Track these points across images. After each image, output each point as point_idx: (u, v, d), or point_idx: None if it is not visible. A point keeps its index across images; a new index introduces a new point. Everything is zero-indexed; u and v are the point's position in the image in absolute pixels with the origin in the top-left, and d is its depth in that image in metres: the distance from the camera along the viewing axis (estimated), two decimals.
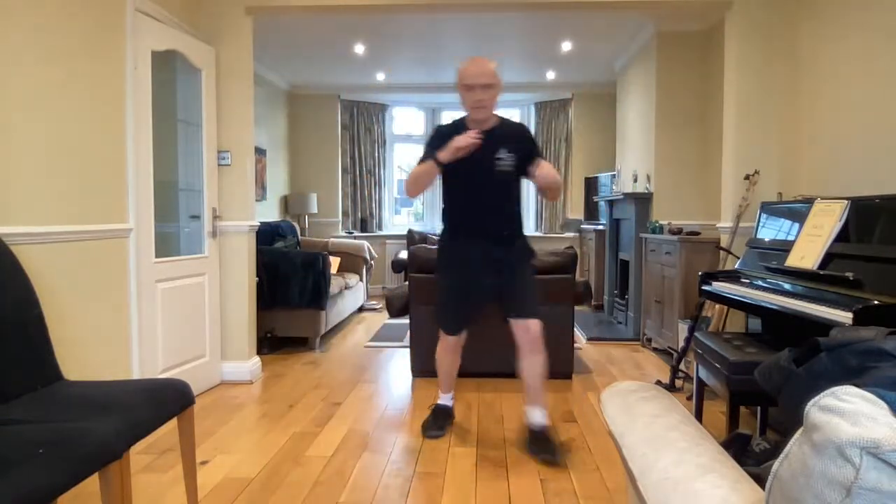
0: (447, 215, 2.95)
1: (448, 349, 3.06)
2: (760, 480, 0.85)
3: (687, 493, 0.87)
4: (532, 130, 8.25)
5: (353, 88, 7.85)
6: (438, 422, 3.07)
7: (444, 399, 3.16)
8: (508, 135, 2.79)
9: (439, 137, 2.76)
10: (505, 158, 2.73)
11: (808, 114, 3.51)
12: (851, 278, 2.24)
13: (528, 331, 2.80)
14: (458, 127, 2.78)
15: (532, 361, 2.84)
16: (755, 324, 3.32)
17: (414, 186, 2.81)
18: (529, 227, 8.29)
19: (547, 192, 2.79)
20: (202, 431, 3.05)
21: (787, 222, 2.96)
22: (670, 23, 5.09)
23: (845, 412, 0.61)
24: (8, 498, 1.29)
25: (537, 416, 2.84)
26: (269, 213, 7.11)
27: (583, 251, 7.43)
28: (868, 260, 2.28)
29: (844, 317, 2.01)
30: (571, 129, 7.79)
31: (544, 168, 2.64)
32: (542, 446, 2.74)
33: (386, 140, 8.21)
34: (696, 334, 2.86)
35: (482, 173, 2.73)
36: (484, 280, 2.83)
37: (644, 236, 5.09)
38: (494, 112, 2.81)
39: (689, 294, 4.18)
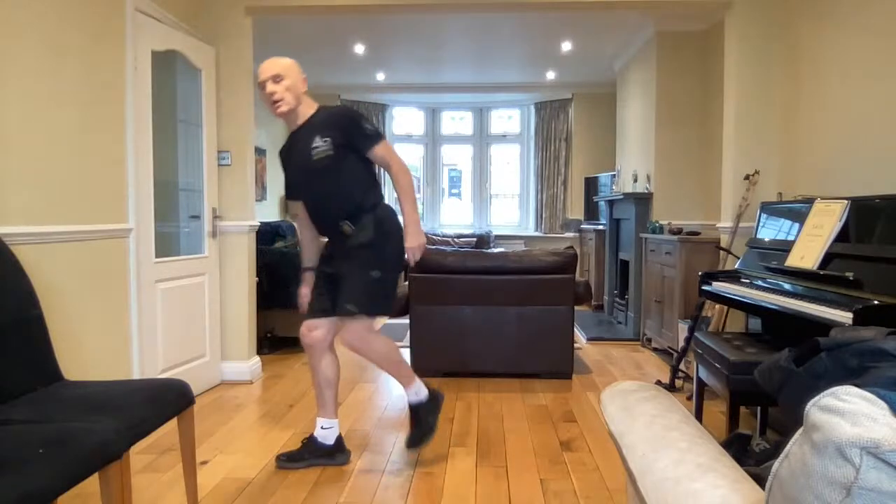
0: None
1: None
2: (760, 480, 0.85)
3: (687, 493, 0.87)
4: (532, 130, 8.35)
5: (353, 88, 7.85)
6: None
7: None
8: (323, 121, 2.52)
9: (283, 164, 2.70)
10: (320, 145, 2.47)
11: (808, 114, 3.51)
12: (851, 278, 2.24)
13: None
14: (289, 141, 2.63)
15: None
16: (755, 324, 3.32)
17: None
18: (529, 227, 8.30)
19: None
20: (202, 431, 3.05)
21: (787, 222, 2.96)
22: (670, 23, 5.09)
23: (845, 412, 0.61)
24: (8, 498, 1.29)
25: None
26: (269, 213, 7.11)
27: (583, 251, 7.43)
28: (868, 260, 2.28)
29: (844, 317, 2.01)
30: (571, 129, 7.79)
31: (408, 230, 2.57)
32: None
33: None
34: (696, 334, 2.86)
35: (306, 169, 2.51)
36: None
37: (644, 236, 5.09)
38: (306, 105, 2.55)
39: (689, 294, 4.18)
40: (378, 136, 2.54)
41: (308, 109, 2.55)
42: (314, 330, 2.64)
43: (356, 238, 2.54)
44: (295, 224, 2.50)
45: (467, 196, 8.71)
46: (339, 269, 2.58)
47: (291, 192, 2.68)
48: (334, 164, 2.48)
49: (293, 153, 2.56)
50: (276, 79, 2.47)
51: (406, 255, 2.56)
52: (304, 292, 2.74)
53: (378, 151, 2.53)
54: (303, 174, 2.54)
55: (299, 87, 2.51)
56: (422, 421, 2.67)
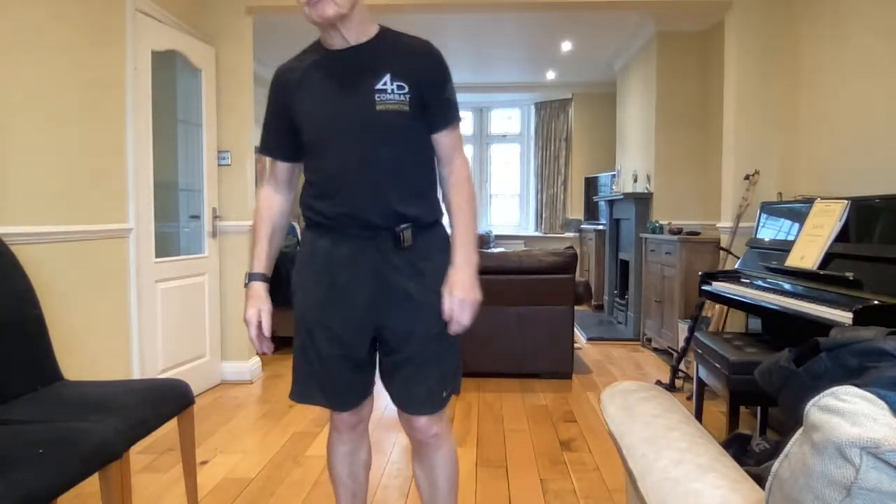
0: (303, 196, 1.60)
1: (340, 433, 1.70)
2: (760, 480, 0.85)
3: (687, 493, 0.87)
4: (532, 130, 8.35)
5: None
6: None
7: None
8: (398, 55, 1.52)
9: (276, 99, 1.59)
10: (392, 91, 1.48)
11: (808, 114, 3.50)
12: (851, 278, 2.24)
13: (416, 429, 1.61)
14: (311, 62, 1.55)
15: (430, 462, 1.66)
16: (755, 324, 3.32)
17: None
18: (529, 227, 8.29)
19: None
20: (202, 431, 3.05)
21: (787, 222, 2.96)
22: (670, 23, 5.09)
23: (845, 412, 0.61)
24: (8, 498, 1.29)
25: None
26: None
27: (583, 251, 7.43)
28: (868, 260, 2.28)
29: (844, 317, 2.01)
30: (571, 129, 7.79)
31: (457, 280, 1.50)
32: None
33: None
34: (696, 334, 2.86)
35: (353, 118, 1.48)
36: (356, 303, 1.53)
37: (644, 236, 5.09)
38: (363, 16, 1.53)
39: (689, 294, 4.18)
40: (459, 113, 1.60)
41: (366, 27, 1.54)
42: (363, 411, 1.69)
43: (421, 257, 1.54)
44: (259, 201, 1.67)
45: None
46: (375, 311, 1.53)
47: (284, 145, 1.60)
48: (407, 128, 1.50)
49: (332, 81, 1.51)
50: None
51: (447, 312, 1.50)
52: (255, 317, 1.57)
53: (455, 135, 1.58)
54: (346, 121, 1.49)
55: None
56: None
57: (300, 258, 1.62)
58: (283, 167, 1.64)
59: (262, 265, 1.62)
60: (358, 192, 1.49)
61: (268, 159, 1.66)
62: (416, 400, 1.56)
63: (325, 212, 1.53)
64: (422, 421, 1.58)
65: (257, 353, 1.39)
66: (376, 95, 1.47)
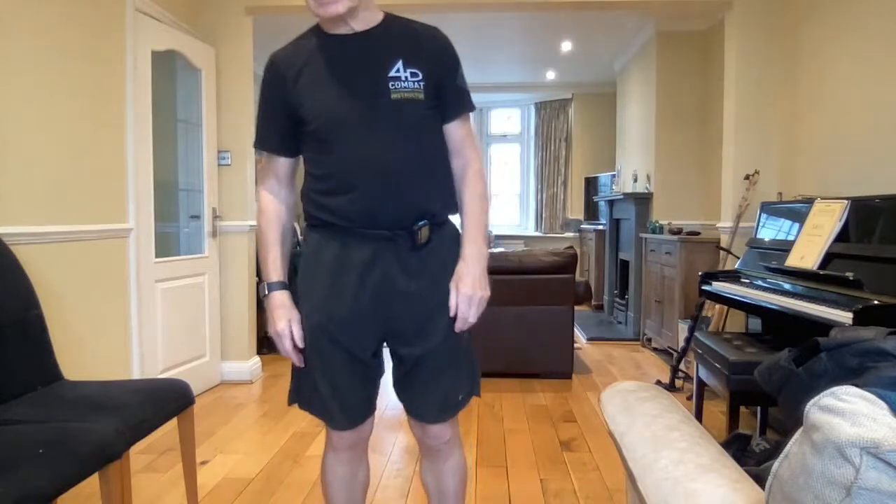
0: (307, 193, 1.50)
1: (337, 453, 1.59)
2: (760, 480, 0.85)
3: (687, 493, 0.87)
4: (532, 130, 8.35)
5: None
6: None
7: None
8: (408, 41, 1.45)
9: (272, 89, 1.47)
10: (406, 78, 1.40)
11: (809, 114, 3.50)
12: (851, 278, 2.24)
13: (429, 435, 1.57)
14: (312, 48, 1.44)
15: (441, 468, 1.62)
16: (755, 324, 3.32)
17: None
18: (529, 227, 8.29)
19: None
20: (202, 431, 3.05)
21: (787, 222, 2.96)
22: (670, 23, 5.09)
23: (845, 412, 0.61)
24: (8, 498, 1.29)
25: None
26: None
27: (583, 251, 7.43)
28: (868, 260, 2.28)
29: (844, 317, 2.01)
30: (571, 129, 7.79)
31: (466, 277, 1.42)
32: None
33: None
34: (696, 334, 2.86)
35: (366, 107, 1.39)
36: (363, 305, 1.44)
37: (644, 236, 5.09)
38: (368, 4, 1.42)
39: (689, 294, 4.18)
40: (471, 103, 1.52)
41: (372, 13, 1.45)
42: (363, 431, 1.60)
43: (433, 256, 1.47)
44: (258, 201, 1.54)
45: None
46: (390, 311, 1.45)
47: (283, 139, 1.49)
48: (423, 117, 1.43)
49: (339, 68, 1.41)
50: None
51: (452, 307, 1.43)
52: (287, 329, 1.44)
53: (467, 126, 1.51)
54: (357, 111, 1.39)
55: None
56: None
57: (305, 263, 1.51)
58: (283, 163, 1.51)
59: (278, 273, 1.50)
60: (373, 186, 1.38)
61: (265, 156, 1.54)
62: (431, 407, 1.51)
63: (336, 210, 1.41)
64: (435, 428, 1.53)
65: (294, 365, 1.28)
66: (390, 83, 1.38)
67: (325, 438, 1.59)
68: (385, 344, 1.51)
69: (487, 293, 1.45)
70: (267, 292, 1.48)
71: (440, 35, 1.49)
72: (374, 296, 1.42)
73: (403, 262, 1.43)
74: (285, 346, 1.45)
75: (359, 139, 1.39)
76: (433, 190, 1.45)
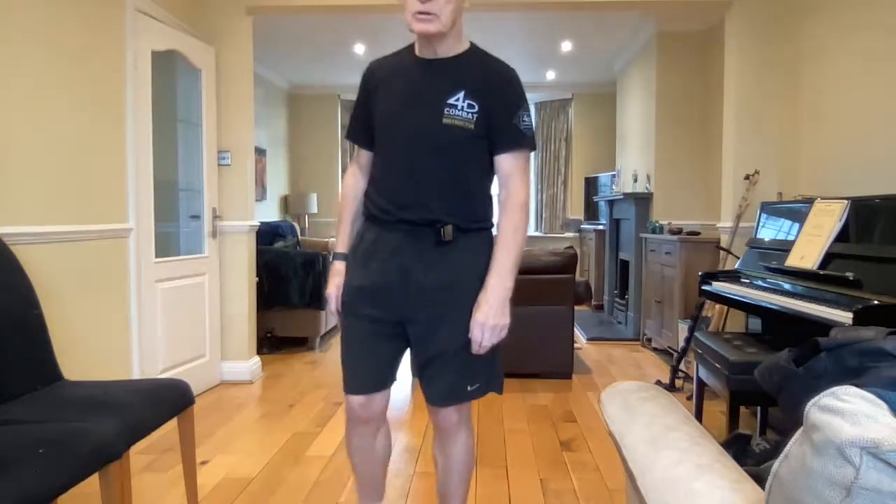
0: (367, 186, 1.75)
1: (353, 424, 1.75)
2: (760, 480, 0.85)
3: (687, 493, 0.87)
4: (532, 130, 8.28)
5: (353, 88, 7.82)
6: None
7: None
8: (477, 73, 1.61)
9: (363, 91, 1.72)
10: (461, 108, 1.57)
11: (808, 113, 3.51)
12: (851, 278, 2.24)
13: (436, 415, 1.72)
14: (399, 63, 1.67)
15: (448, 449, 1.78)
16: (755, 324, 3.32)
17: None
18: (529, 227, 8.28)
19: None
20: (202, 431, 3.05)
21: (787, 222, 2.96)
22: (670, 23, 5.09)
23: (845, 412, 0.61)
24: (8, 498, 1.29)
25: None
26: (269, 213, 7.11)
27: (583, 251, 7.43)
28: (868, 260, 2.28)
29: (844, 317, 2.01)
30: (571, 129, 7.79)
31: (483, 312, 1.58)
32: None
33: None
34: (696, 334, 2.86)
35: (416, 126, 1.59)
36: (384, 290, 1.63)
37: (644, 236, 5.09)
38: (457, 33, 1.61)
39: (689, 294, 4.18)
40: (533, 141, 1.65)
41: (458, 42, 1.62)
42: (373, 404, 1.71)
43: (457, 255, 1.62)
44: (344, 183, 1.84)
45: None
46: (413, 301, 1.61)
47: (367, 134, 1.71)
48: (465, 144, 1.59)
49: (410, 86, 1.62)
50: None
51: (470, 331, 1.58)
52: (335, 292, 1.72)
53: (517, 162, 1.62)
54: (412, 126, 1.60)
55: (461, 5, 1.56)
56: None
57: (354, 243, 1.74)
58: (364, 154, 1.76)
59: (343, 245, 1.76)
60: (402, 192, 1.60)
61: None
62: (435, 394, 1.66)
63: (378, 204, 1.64)
64: (442, 411, 1.69)
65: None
66: (446, 109, 1.57)
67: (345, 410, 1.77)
68: (406, 337, 1.68)
69: (505, 321, 1.61)
70: (332, 260, 1.79)
71: (512, 76, 1.67)
72: (395, 278, 1.60)
73: (423, 254, 1.60)
74: (331, 305, 1.75)
75: (404, 149, 1.61)
76: (457, 207, 1.61)
